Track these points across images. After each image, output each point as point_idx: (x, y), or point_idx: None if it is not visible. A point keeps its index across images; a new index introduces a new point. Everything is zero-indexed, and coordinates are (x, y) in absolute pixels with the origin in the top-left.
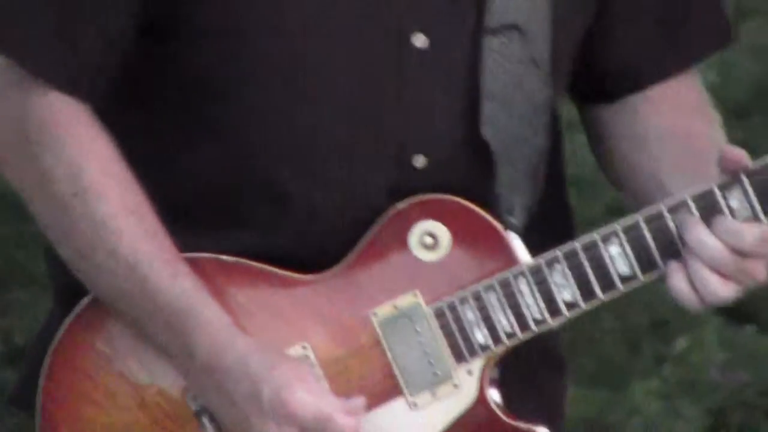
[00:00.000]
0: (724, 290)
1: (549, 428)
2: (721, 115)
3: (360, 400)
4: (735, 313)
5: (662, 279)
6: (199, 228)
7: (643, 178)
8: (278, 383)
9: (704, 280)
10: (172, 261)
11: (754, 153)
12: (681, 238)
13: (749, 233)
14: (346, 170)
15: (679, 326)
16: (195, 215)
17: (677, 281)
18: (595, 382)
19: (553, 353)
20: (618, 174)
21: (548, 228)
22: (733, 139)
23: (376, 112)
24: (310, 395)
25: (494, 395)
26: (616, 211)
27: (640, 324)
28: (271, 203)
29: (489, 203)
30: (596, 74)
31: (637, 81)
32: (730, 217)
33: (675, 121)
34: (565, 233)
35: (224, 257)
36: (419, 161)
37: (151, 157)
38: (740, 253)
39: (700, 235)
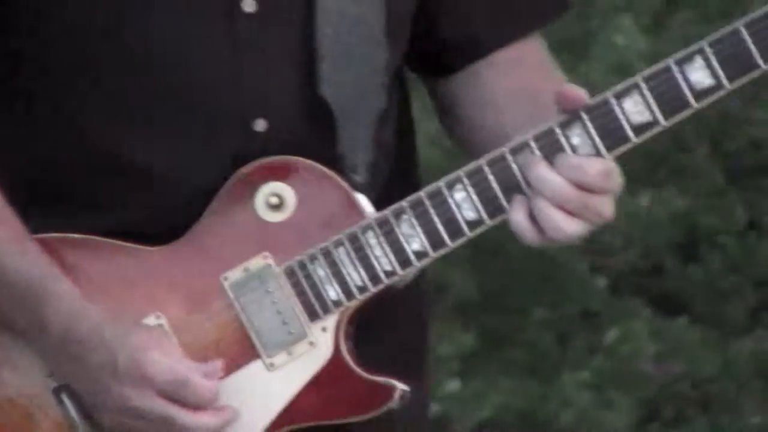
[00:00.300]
0: (568, 226)
1: (407, 374)
2: None
3: (217, 363)
4: (666, 304)
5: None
6: (49, 210)
7: (490, 137)
8: (133, 348)
9: (548, 217)
10: (20, 240)
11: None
12: (525, 179)
13: (591, 167)
14: (186, 139)
15: (610, 318)
16: (42, 198)
17: (517, 215)
18: (526, 374)
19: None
20: (467, 138)
21: (398, 188)
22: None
23: (210, 79)
24: (166, 358)
25: (350, 351)
26: None
27: (571, 316)
28: (114, 178)
29: (333, 163)
30: (436, 45)
31: (476, 50)
32: (570, 152)
33: (519, 82)
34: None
35: (72, 235)
36: (260, 125)
37: None
38: (583, 187)
39: (541, 172)
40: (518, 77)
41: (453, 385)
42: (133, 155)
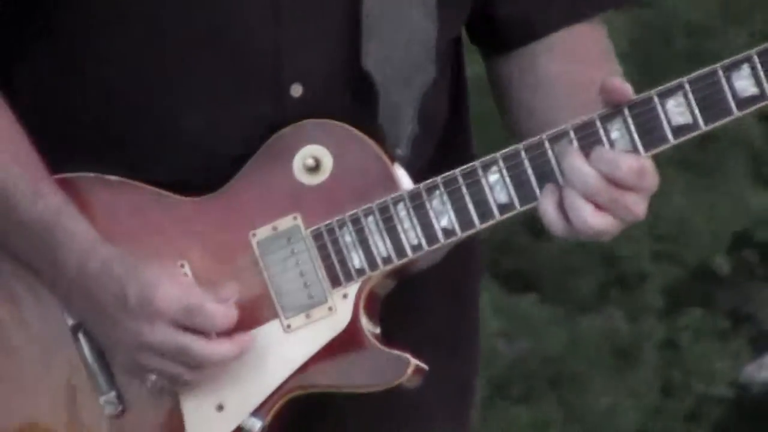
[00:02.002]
0: (596, 220)
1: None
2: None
3: (230, 287)
4: (515, 281)
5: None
6: (79, 154)
7: (538, 123)
8: (143, 282)
9: (577, 209)
10: (39, 181)
11: None
12: (559, 168)
13: (624, 163)
14: (221, 99)
15: None
16: (77, 147)
17: (546, 204)
18: None
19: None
20: (515, 121)
21: (449, 158)
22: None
23: (248, 37)
24: (176, 288)
25: (370, 323)
26: None
27: None
28: (148, 136)
29: (374, 134)
30: (491, 22)
31: (529, 30)
32: (608, 146)
33: (574, 69)
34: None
35: (108, 176)
36: (296, 90)
37: (30, 87)
38: (615, 182)
39: (574, 162)
40: (574, 64)
41: None
42: (167, 114)
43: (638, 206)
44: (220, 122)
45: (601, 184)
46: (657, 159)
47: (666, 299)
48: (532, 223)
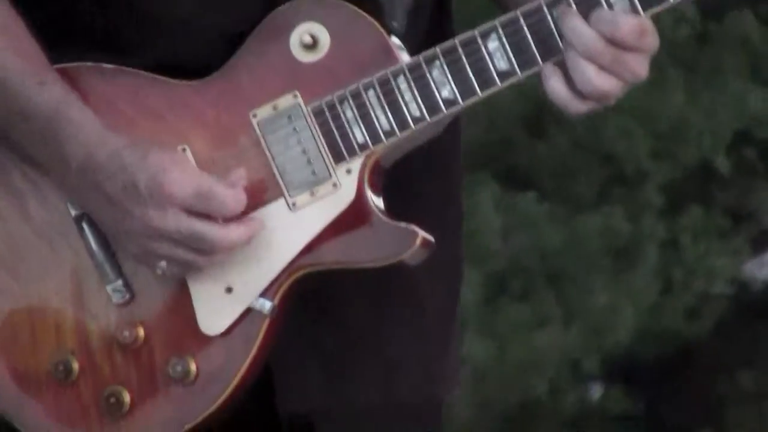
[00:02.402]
0: (600, 80)
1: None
2: None
3: (237, 172)
4: (514, 179)
5: (538, 77)
6: (78, 46)
7: None
8: (153, 169)
9: (581, 70)
10: (41, 72)
11: None
12: (559, 32)
13: (625, 23)
14: None
15: None
16: (70, 43)
17: (553, 82)
18: None
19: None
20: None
21: (433, 29)
22: None
23: None
24: (187, 174)
25: (375, 198)
26: None
27: None
28: (142, 21)
29: (371, 7)
30: None
31: None
32: (606, 8)
33: None
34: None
35: (106, 65)
36: None
37: None
38: (616, 43)
39: (574, 24)
40: None
41: None
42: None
43: (640, 66)
44: (213, 3)
45: (602, 45)
46: (655, 59)
47: (665, 198)
48: (529, 122)
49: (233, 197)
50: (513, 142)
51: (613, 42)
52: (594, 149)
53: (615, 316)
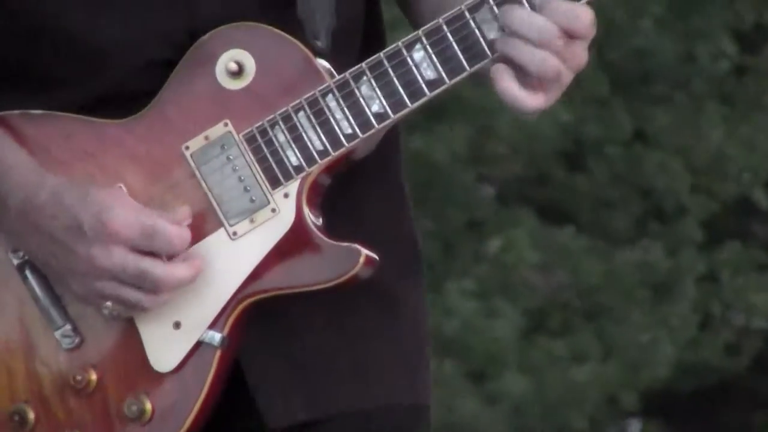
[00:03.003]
0: (553, 61)
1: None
2: None
3: (183, 209)
4: (552, 213)
5: (477, 82)
6: (7, 90)
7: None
8: (96, 207)
9: (538, 57)
10: None
11: None
12: (484, 36)
13: (583, 14)
14: (136, 3)
15: (496, 226)
16: (2, 79)
17: (507, 81)
18: None
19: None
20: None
21: (360, 47)
22: None
23: None
24: (131, 211)
25: (315, 219)
26: None
27: (456, 224)
28: (68, 55)
29: (292, 28)
30: None
31: None
32: (528, 7)
33: None
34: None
35: (33, 111)
36: None
37: None
38: (570, 33)
39: (524, 15)
40: None
41: None
42: (84, 30)
43: (584, 54)
44: (138, 32)
45: (553, 27)
46: (694, 92)
47: (704, 232)
48: (568, 157)
49: (178, 234)
50: (552, 177)
51: (567, 32)
52: (632, 184)
53: (653, 351)
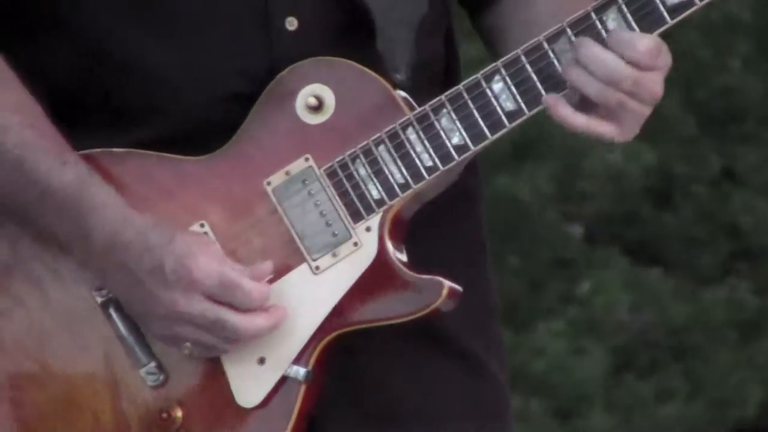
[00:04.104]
0: (614, 95)
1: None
2: None
3: (265, 264)
4: (640, 252)
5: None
6: (89, 129)
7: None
8: (180, 253)
9: (605, 95)
10: (61, 151)
11: None
12: (563, 66)
13: (641, 42)
14: (215, 38)
15: (584, 266)
16: (79, 117)
17: (560, 109)
18: (500, 323)
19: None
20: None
21: (439, 82)
22: None
23: None
24: (214, 261)
25: (398, 251)
26: None
27: (545, 264)
28: (146, 90)
29: (372, 62)
30: None
31: None
32: (618, 29)
33: (562, 5)
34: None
35: (115, 149)
36: (292, 23)
37: (25, 66)
38: (635, 64)
39: (595, 52)
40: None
41: None
42: (162, 64)
43: (658, 85)
44: (220, 62)
45: (624, 68)
46: None
47: None
48: (656, 195)
49: (258, 290)
50: (639, 216)
51: (632, 63)
52: (720, 222)
53: (741, 390)
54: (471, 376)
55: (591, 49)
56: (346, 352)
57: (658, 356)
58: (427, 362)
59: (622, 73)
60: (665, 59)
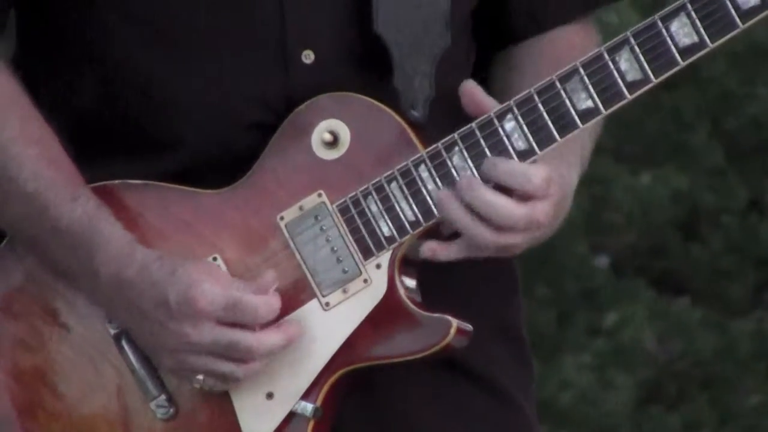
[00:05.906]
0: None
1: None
2: None
3: (269, 274)
4: (667, 284)
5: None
6: (106, 159)
7: None
8: (182, 284)
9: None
10: (73, 185)
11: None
12: (574, 107)
13: (536, 175)
14: (234, 69)
15: (611, 297)
16: (97, 147)
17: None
18: None
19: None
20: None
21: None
22: None
23: (251, 7)
24: (216, 286)
25: (407, 289)
26: None
27: (572, 295)
28: (163, 120)
29: (389, 97)
30: (505, 15)
31: (541, 24)
32: (618, 78)
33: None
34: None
35: (132, 181)
36: (308, 57)
37: (47, 97)
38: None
39: (485, 195)
40: (572, 56)
41: None
42: (179, 94)
43: (547, 217)
44: (235, 96)
45: (517, 211)
46: None
47: None
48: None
49: (265, 304)
50: (667, 248)
51: (525, 196)
52: (748, 253)
53: None
54: (499, 409)
55: (481, 193)
56: (368, 382)
57: (686, 387)
58: (455, 395)
59: (515, 217)
60: (554, 188)
